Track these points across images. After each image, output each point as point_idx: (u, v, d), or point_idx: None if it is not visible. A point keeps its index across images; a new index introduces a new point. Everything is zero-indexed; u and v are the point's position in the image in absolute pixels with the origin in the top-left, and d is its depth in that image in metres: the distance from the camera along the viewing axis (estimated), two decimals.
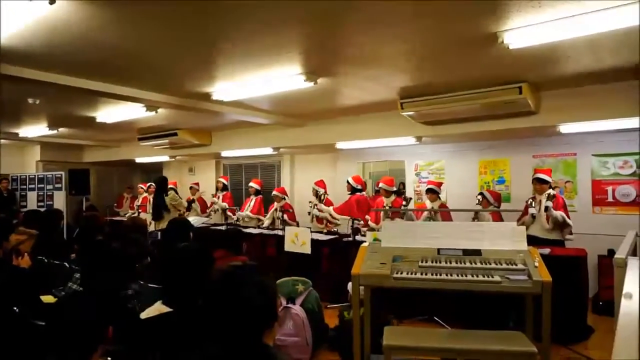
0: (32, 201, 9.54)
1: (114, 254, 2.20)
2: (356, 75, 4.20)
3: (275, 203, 7.03)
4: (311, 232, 5.20)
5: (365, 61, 3.77)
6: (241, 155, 8.88)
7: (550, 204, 4.76)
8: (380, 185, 6.11)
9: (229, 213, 7.34)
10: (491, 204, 5.47)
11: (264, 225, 7.04)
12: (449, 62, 3.81)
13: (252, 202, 7.40)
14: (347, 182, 6.37)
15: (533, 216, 4.90)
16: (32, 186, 9.61)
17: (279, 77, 4.19)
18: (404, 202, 5.85)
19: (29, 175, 9.75)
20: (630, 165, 5.60)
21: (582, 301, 4.24)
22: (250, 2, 2.63)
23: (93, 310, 1.85)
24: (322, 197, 6.57)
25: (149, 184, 9.24)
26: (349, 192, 6.32)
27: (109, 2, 2.65)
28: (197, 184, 8.47)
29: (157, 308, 1.83)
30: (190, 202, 7.88)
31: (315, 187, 6.66)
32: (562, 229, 4.82)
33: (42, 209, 8.06)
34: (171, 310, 1.80)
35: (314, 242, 5.16)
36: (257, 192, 7.44)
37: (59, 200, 9.18)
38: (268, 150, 7.79)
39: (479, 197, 5.58)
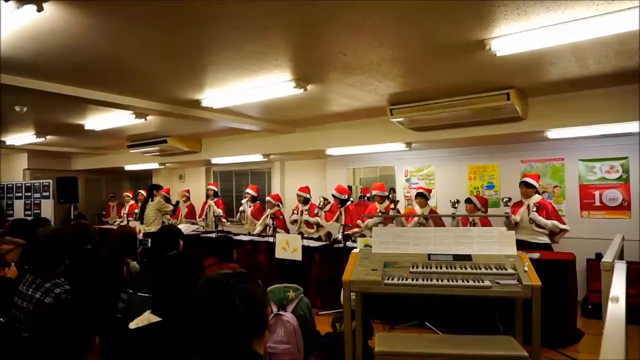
0: (19, 210, 9.43)
1: (104, 263, 2.17)
2: (345, 81, 4.22)
3: (268, 210, 7.03)
4: (302, 238, 5.19)
5: (353, 68, 3.79)
6: (231, 162, 8.85)
7: (536, 214, 4.82)
8: (375, 192, 6.16)
9: (223, 220, 7.35)
10: (479, 209, 5.51)
11: (255, 232, 7.02)
12: (437, 68, 3.84)
13: (250, 208, 7.40)
14: (333, 196, 6.41)
15: (515, 223, 4.95)
16: (19, 195, 9.50)
17: (269, 84, 4.19)
18: (392, 206, 5.91)
19: (15, 184, 9.64)
20: (616, 170, 5.69)
21: (571, 305, 4.28)
22: (235, 10, 2.64)
23: (81, 321, 1.82)
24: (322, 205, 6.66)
25: (137, 192, 9.20)
26: (340, 205, 6.35)
27: (97, 9, 2.64)
28: (187, 190, 8.42)
29: (146, 317, 1.81)
30: (175, 204, 7.82)
31: (300, 193, 6.74)
32: (555, 234, 4.86)
33: (29, 218, 7.97)
34: (160, 319, 1.78)
35: (305, 249, 5.15)
36: (253, 199, 7.43)
37: (47, 209, 9.08)
38: (258, 157, 7.78)
39: (467, 203, 5.63)
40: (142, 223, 6.99)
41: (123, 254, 3.14)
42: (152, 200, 6.98)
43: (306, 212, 6.69)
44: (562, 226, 4.79)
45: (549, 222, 4.77)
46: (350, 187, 8.25)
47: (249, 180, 9.62)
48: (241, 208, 7.52)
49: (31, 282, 2.41)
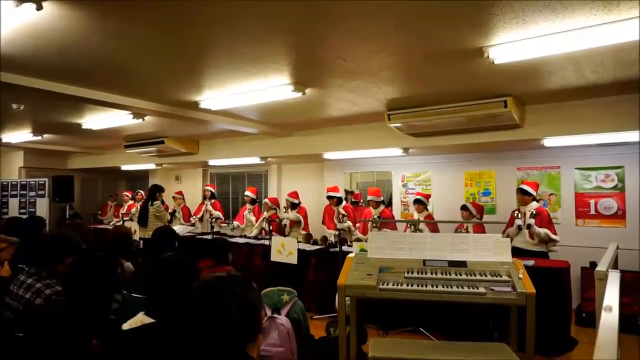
0: (14, 208, 9.37)
1: (98, 263, 2.16)
2: (344, 86, 4.23)
3: (265, 212, 7.01)
4: (297, 242, 5.19)
5: (352, 73, 3.80)
6: (228, 165, 8.84)
7: (532, 221, 4.82)
8: (369, 197, 6.17)
9: (222, 224, 7.28)
10: (474, 216, 5.52)
11: (251, 235, 7.00)
12: (435, 75, 3.85)
13: (250, 211, 7.38)
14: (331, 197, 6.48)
15: (519, 227, 4.95)
16: (15, 193, 9.44)
17: (268, 87, 4.20)
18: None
19: (11, 182, 9.58)
20: (612, 179, 5.71)
21: (565, 313, 4.28)
22: (236, 13, 2.65)
23: (75, 321, 1.81)
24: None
25: (136, 191, 9.15)
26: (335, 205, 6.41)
27: (97, 9, 2.64)
28: (180, 192, 8.36)
29: (140, 319, 1.80)
30: (172, 213, 7.79)
31: (288, 198, 6.79)
32: (547, 242, 4.87)
33: (24, 216, 7.92)
34: (154, 321, 1.77)
35: (301, 253, 5.14)
36: (252, 201, 7.42)
37: (42, 208, 9.03)
38: (255, 160, 7.78)
39: (462, 210, 5.65)
40: (143, 226, 6.69)
41: (118, 255, 3.14)
42: (152, 205, 6.85)
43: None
44: (552, 236, 4.79)
45: (541, 231, 4.78)
46: (353, 192, 8.28)
47: (245, 182, 9.61)
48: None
49: (22, 282, 2.39)
